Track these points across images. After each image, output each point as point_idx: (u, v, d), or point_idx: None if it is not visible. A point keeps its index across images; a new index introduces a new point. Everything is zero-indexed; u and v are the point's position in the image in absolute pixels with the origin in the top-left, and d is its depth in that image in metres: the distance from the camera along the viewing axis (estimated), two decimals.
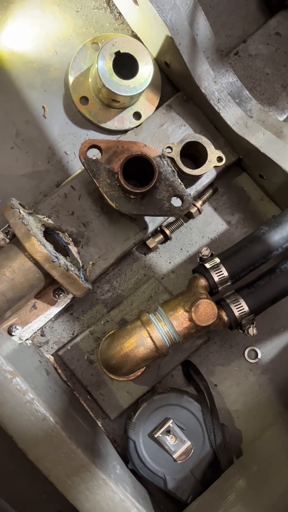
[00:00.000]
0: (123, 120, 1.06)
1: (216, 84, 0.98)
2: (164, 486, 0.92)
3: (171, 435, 0.93)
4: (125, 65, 1.00)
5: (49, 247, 0.87)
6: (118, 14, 1.10)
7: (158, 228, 1.04)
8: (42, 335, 1.01)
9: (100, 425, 0.99)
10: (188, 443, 0.92)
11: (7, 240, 0.93)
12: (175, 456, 0.92)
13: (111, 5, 1.10)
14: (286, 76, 1.10)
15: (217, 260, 0.90)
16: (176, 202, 0.91)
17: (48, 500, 0.96)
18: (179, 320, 0.87)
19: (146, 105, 1.07)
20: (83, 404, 0.99)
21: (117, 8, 1.09)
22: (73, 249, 0.97)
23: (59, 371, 1.00)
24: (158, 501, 0.96)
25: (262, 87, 1.10)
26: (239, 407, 1.04)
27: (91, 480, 0.74)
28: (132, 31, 1.09)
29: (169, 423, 0.92)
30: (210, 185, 1.06)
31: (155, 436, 0.92)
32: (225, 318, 0.89)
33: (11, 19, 1.06)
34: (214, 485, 0.89)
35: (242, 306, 0.88)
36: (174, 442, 0.93)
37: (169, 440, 0.93)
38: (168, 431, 0.93)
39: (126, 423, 0.95)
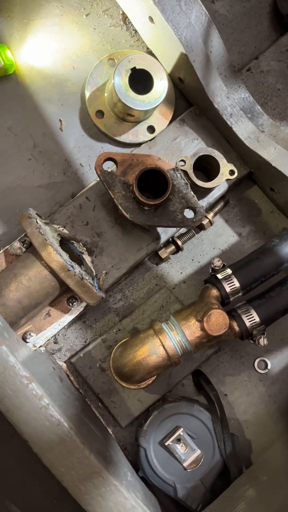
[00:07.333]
0: (138, 133, 1.09)
1: (229, 99, 1.01)
2: (174, 494, 0.93)
3: (181, 444, 0.93)
4: (140, 80, 1.03)
5: (65, 256, 0.89)
6: (134, 32, 1.13)
7: (170, 239, 1.06)
8: (55, 342, 1.03)
9: (111, 433, 1.00)
10: (198, 452, 0.93)
11: (24, 249, 0.95)
12: (185, 464, 0.93)
13: (127, 23, 1.13)
14: None
15: (229, 271, 0.92)
16: (188, 213, 0.93)
17: (58, 506, 0.97)
18: (191, 329, 0.89)
19: (160, 119, 1.10)
20: (94, 411, 1.01)
21: (133, 26, 1.12)
22: (87, 258, 0.99)
23: (71, 378, 1.01)
24: (168, 509, 0.97)
25: (274, 103, 1.12)
26: (249, 417, 1.04)
27: (104, 486, 0.75)
28: (147, 48, 1.13)
29: (180, 432, 0.93)
30: (222, 197, 1.08)
31: (166, 444, 0.93)
32: (236, 328, 0.90)
33: (31, 35, 1.09)
34: (223, 494, 0.89)
35: (253, 316, 0.90)
36: (185, 451, 0.93)
37: (180, 449, 0.93)
38: (178, 440, 0.93)
39: (137, 430, 0.95)
